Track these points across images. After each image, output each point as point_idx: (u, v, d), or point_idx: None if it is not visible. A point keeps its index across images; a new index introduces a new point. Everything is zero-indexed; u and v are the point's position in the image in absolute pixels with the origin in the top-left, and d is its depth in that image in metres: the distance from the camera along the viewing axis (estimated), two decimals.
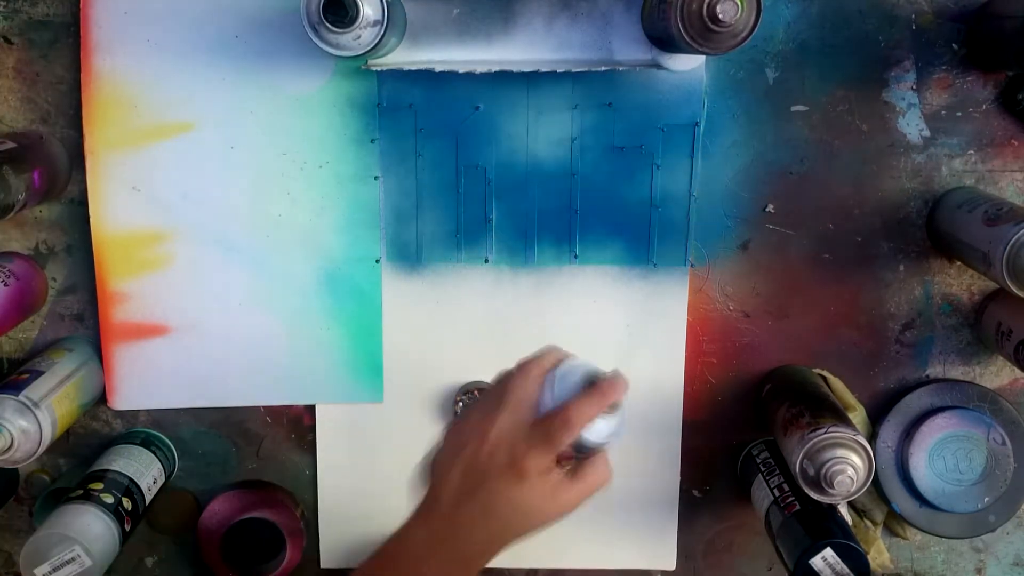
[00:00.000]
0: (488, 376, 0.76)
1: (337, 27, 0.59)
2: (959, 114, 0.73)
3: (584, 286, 0.75)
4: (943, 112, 0.73)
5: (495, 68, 0.69)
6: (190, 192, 0.73)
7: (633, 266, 0.74)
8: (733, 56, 0.71)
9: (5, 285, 0.69)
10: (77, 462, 0.77)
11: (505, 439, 0.55)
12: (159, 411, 0.77)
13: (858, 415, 0.76)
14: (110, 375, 0.75)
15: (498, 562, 0.79)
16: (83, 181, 0.72)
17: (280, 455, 0.78)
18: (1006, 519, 0.76)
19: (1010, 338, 0.71)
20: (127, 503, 0.70)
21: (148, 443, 0.75)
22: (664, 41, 0.66)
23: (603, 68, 0.69)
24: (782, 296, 0.75)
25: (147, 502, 0.73)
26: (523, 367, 0.60)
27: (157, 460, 0.75)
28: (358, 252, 0.74)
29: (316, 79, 0.71)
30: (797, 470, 0.65)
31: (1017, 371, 0.76)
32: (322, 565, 0.80)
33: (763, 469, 0.74)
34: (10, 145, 0.67)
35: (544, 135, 0.72)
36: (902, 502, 0.76)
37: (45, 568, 0.64)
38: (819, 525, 0.67)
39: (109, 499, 0.69)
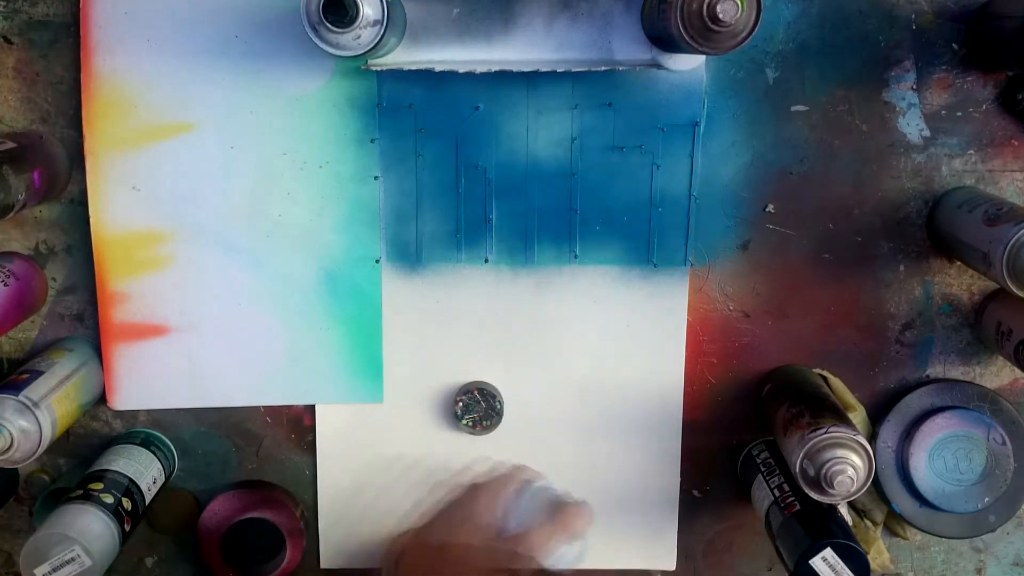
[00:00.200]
0: (488, 376, 0.77)
1: (337, 27, 0.59)
2: (959, 114, 0.73)
3: (584, 286, 0.75)
4: (943, 112, 0.73)
5: (495, 68, 0.69)
6: (190, 192, 0.73)
7: (633, 266, 0.74)
8: (733, 56, 0.71)
9: (5, 285, 0.69)
10: (77, 462, 0.77)
11: (469, 559, 0.55)
12: (159, 411, 0.77)
13: (858, 415, 0.76)
14: (110, 375, 0.75)
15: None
16: (83, 181, 0.72)
17: (280, 455, 0.78)
18: (1006, 519, 0.76)
19: (1010, 338, 0.71)
20: (127, 503, 0.70)
21: (148, 443, 0.75)
22: (664, 41, 0.66)
23: (603, 68, 0.69)
24: (782, 296, 0.75)
25: (147, 502, 0.73)
26: (493, 485, 0.60)
27: (157, 460, 0.75)
28: (358, 252, 0.74)
29: (316, 79, 0.71)
30: (797, 470, 0.65)
31: (1017, 371, 0.76)
32: (322, 565, 0.80)
33: (763, 469, 0.74)
34: (10, 145, 0.67)
35: (544, 135, 0.72)
36: (902, 502, 0.76)
37: (45, 568, 0.64)
38: (819, 525, 0.67)
39: (109, 499, 0.69)
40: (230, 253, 0.74)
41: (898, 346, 0.76)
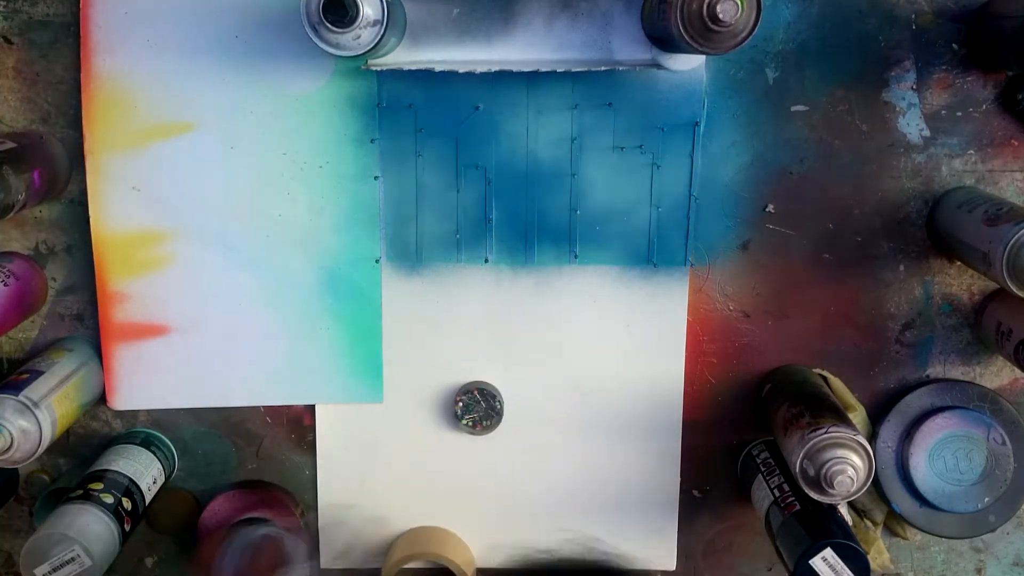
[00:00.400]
0: (488, 376, 0.77)
1: (337, 27, 0.59)
2: (959, 114, 0.73)
3: (584, 286, 0.75)
4: (943, 112, 0.73)
5: (495, 68, 0.69)
6: (190, 192, 0.73)
7: (633, 266, 0.74)
8: (733, 56, 0.71)
9: (5, 285, 0.69)
10: (77, 462, 0.77)
11: None
12: (159, 411, 0.77)
13: (858, 415, 0.76)
14: (110, 375, 0.75)
15: (499, 562, 0.80)
16: (83, 181, 0.72)
17: (280, 455, 0.78)
18: (1006, 519, 0.76)
19: (1010, 338, 0.71)
20: (127, 503, 0.70)
21: (148, 443, 0.75)
22: (664, 41, 0.66)
23: (603, 68, 0.69)
24: (782, 296, 0.75)
25: (147, 502, 0.73)
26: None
27: (157, 460, 0.75)
28: (358, 252, 0.74)
29: (316, 79, 0.71)
30: (797, 470, 0.65)
31: (1017, 371, 0.76)
32: (322, 565, 0.80)
33: (763, 469, 0.74)
34: (10, 145, 0.67)
35: (544, 135, 0.72)
36: (902, 502, 0.76)
37: (45, 568, 0.64)
38: (819, 525, 0.67)
39: (109, 499, 0.69)
40: (230, 253, 0.74)
41: (898, 346, 0.76)
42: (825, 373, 0.76)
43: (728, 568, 0.81)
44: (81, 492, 0.69)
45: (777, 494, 0.71)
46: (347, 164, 0.73)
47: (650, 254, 0.74)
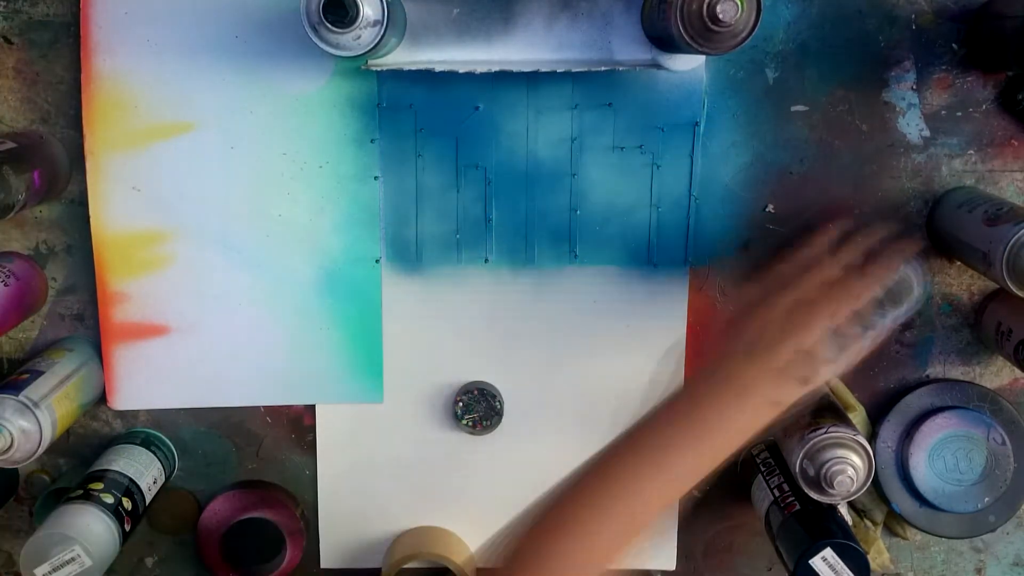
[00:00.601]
0: (488, 376, 0.77)
1: (337, 27, 0.59)
2: (959, 114, 0.73)
3: (584, 286, 0.75)
4: (943, 112, 0.73)
5: (495, 68, 0.69)
6: (190, 192, 0.73)
7: (633, 266, 0.74)
8: (733, 56, 0.71)
9: (5, 285, 0.69)
10: (77, 462, 0.77)
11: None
12: (159, 411, 0.77)
13: (858, 415, 0.76)
14: (110, 375, 0.75)
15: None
16: (83, 181, 0.72)
17: (280, 455, 0.78)
18: (1006, 519, 0.76)
19: (1010, 338, 0.71)
20: (127, 503, 0.70)
21: (148, 443, 0.75)
22: (664, 41, 0.66)
23: (603, 68, 0.69)
24: None
25: (147, 502, 0.73)
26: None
27: (157, 460, 0.75)
28: (358, 252, 0.74)
29: (316, 79, 0.71)
30: (797, 470, 0.65)
31: (1017, 371, 0.76)
32: (322, 565, 0.80)
33: (763, 469, 0.74)
34: (10, 145, 0.67)
35: (544, 135, 0.72)
36: (902, 502, 0.76)
37: (45, 568, 0.64)
38: (819, 525, 0.67)
39: (109, 499, 0.69)
40: (230, 253, 0.74)
41: (898, 346, 0.76)
42: None
43: (728, 568, 0.81)
44: (81, 492, 0.69)
45: (777, 494, 0.71)
46: (347, 164, 0.73)
47: (650, 254, 0.74)
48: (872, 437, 0.77)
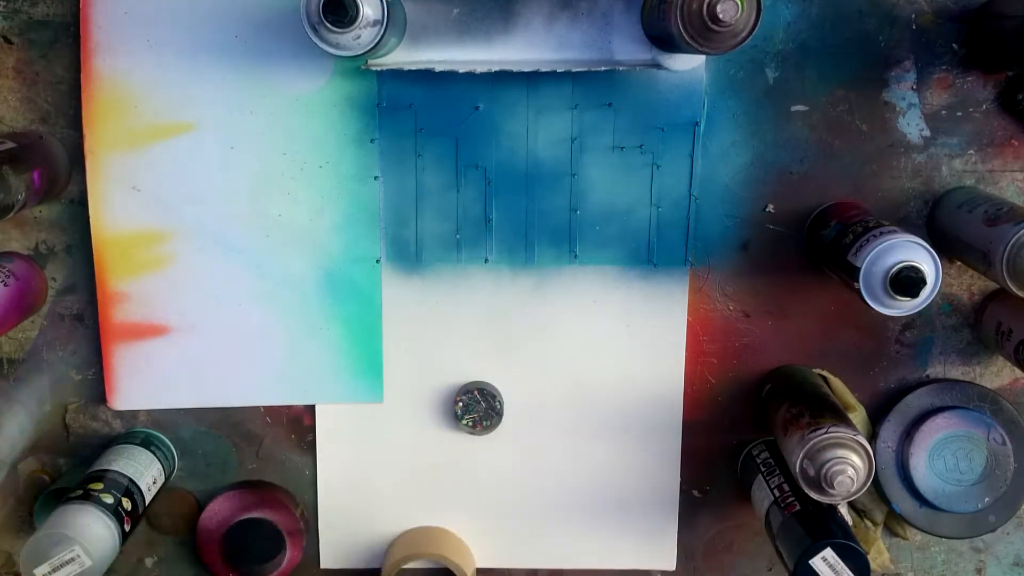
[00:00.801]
0: (488, 376, 0.77)
1: (337, 27, 0.59)
2: (959, 114, 0.73)
3: (584, 286, 0.75)
4: (943, 112, 0.73)
5: (495, 68, 0.69)
6: (190, 192, 0.73)
7: (633, 266, 0.74)
8: (733, 56, 0.71)
9: (5, 285, 0.69)
10: (77, 462, 0.77)
11: None
12: (159, 411, 0.77)
13: (858, 415, 0.76)
14: (110, 375, 0.75)
15: (499, 562, 0.80)
16: (83, 181, 0.72)
17: (280, 455, 0.78)
18: (1006, 519, 0.76)
19: (1010, 338, 0.71)
20: (127, 503, 0.70)
21: (148, 443, 0.75)
22: (664, 41, 0.66)
23: (603, 68, 0.69)
24: (782, 296, 0.75)
25: (147, 502, 0.73)
26: None
27: (157, 460, 0.75)
28: (358, 252, 0.74)
29: (316, 79, 0.71)
30: (797, 470, 0.65)
31: (1017, 371, 0.76)
32: (322, 565, 0.80)
33: (763, 469, 0.74)
34: (10, 145, 0.67)
35: (544, 135, 0.72)
36: (902, 502, 0.76)
37: (45, 568, 0.64)
38: (819, 525, 0.67)
39: (109, 499, 0.69)
40: (230, 253, 0.74)
41: (898, 346, 0.76)
42: (825, 373, 0.76)
43: (728, 568, 0.81)
44: (81, 492, 0.69)
45: (777, 494, 0.71)
46: (347, 164, 0.73)
47: (650, 254, 0.74)
48: (872, 437, 0.77)
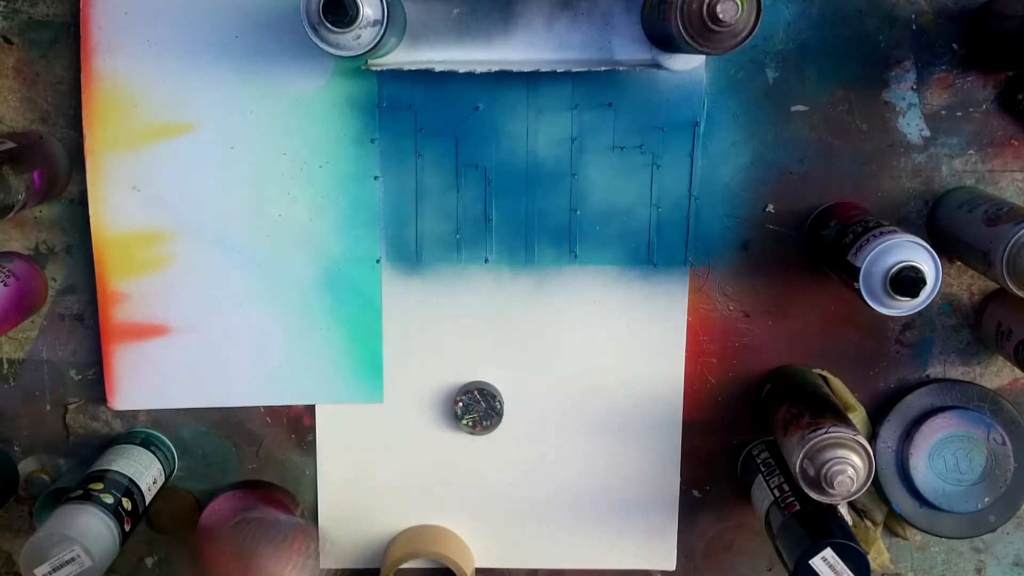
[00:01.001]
0: (488, 376, 0.77)
1: (337, 27, 0.59)
2: (959, 114, 0.73)
3: (584, 286, 0.75)
4: (943, 112, 0.73)
5: (495, 68, 0.69)
6: (190, 192, 0.73)
7: (633, 266, 0.74)
8: (733, 56, 0.71)
9: (5, 285, 0.69)
10: (77, 462, 0.77)
11: None
12: (159, 411, 0.77)
13: (858, 415, 0.76)
14: (110, 375, 0.75)
15: (499, 562, 0.80)
16: (83, 181, 0.72)
17: (280, 455, 0.78)
18: (1006, 519, 0.76)
19: (1010, 338, 0.71)
20: (127, 503, 0.70)
21: (148, 443, 0.75)
22: (664, 41, 0.66)
23: (603, 68, 0.69)
24: (782, 296, 0.75)
25: (147, 502, 0.73)
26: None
27: (157, 460, 0.75)
28: (358, 252, 0.74)
29: (316, 79, 0.71)
30: (797, 470, 0.65)
31: (1017, 371, 0.76)
32: (322, 565, 0.80)
33: (763, 469, 0.74)
34: (10, 145, 0.67)
35: (544, 135, 0.72)
36: (902, 502, 0.76)
37: (45, 568, 0.64)
38: (819, 525, 0.67)
39: (109, 499, 0.69)
40: (230, 253, 0.74)
41: (898, 346, 0.76)
42: (825, 373, 0.76)
43: (728, 568, 0.81)
44: (81, 492, 0.69)
45: (777, 494, 0.71)
46: (347, 164, 0.73)
47: (650, 254, 0.74)
48: (872, 437, 0.77)
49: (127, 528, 0.69)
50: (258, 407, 0.77)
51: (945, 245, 0.72)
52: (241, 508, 0.76)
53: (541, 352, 0.76)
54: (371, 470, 0.78)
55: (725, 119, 0.73)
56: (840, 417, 0.67)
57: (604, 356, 0.76)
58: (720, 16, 0.57)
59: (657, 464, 0.78)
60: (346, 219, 0.73)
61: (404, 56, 0.71)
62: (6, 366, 0.76)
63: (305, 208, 0.73)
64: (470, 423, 0.76)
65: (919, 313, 0.75)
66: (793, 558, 0.66)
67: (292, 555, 0.69)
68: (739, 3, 0.57)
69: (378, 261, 0.74)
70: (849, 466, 0.63)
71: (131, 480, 0.71)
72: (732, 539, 0.80)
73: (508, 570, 0.80)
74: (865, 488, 0.64)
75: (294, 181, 0.73)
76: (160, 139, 0.72)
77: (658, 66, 0.70)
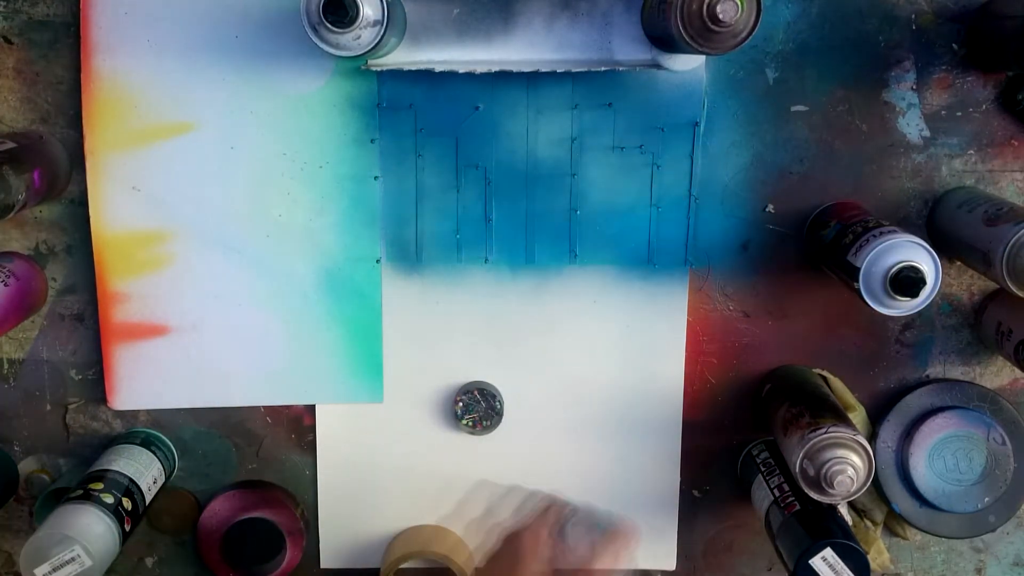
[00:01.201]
0: (488, 376, 0.77)
1: (337, 27, 0.59)
2: (959, 114, 0.73)
3: (584, 286, 0.75)
4: (943, 112, 0.73)
5: (495, 68, 0.69)
6: (190, 192, 0.73)
7: (633, 266, 0.74)
8: (733, 56, 0.71)
9: (5, 285, 0.69)
10: (77, 462, 0.77)
11: None
12: (159, 411, 0.77)
13: (858, 415, 0.76)
14: (110, 375, 0.75)
15: None
16: (83, 181, 0.72)
17: (280, 455, 0.78)
18: (1006, 519, 0.76)
19: (1010, 338, 0.71)
20: (127, 503, 0.70)
21: (148, 443, 0.75)
22: (664, 41, 0.66)
23: (603, 68, 0.69)
24: (782, 296, 0.75)
25: (147, 502, 0.73)
26: (532, 529, 0.60)
27: (157, 460, 0.75)
28: (358, 252, 0.74)
29: (316, 79, 0.71)
30: (797, 470, 0.65)
31: (1017, 371, 0.76)
32: (322, 565, 0.80)
33: (763, 469, 0.74)
34: (10, 145, 0.67)
35: (544, 135, 0.72)
36: (902, 502, 0.76)
37: (45, 568, 0.64)
38: (819, 525, 0.67)
39: (109, 499, 0.69)
40: (230, 253, 0.74)
41: (898, 346, 0.76)
42: (825, 373, 0.76)
43: (728, 568, 0.81)
44: (81, 492, 0.69)
45: (777, 494, 0.71)
46: (347, 164, 0.73)
47: (650, 254, 0.74)
48: (872, 437, 0.77)
49: (127, 528, 0.69)
50: (258, 407, 0.77)
51: (945, 245, 0.72)
52: (241, 508, 0.76)
53: (541, 352, 0.76)
54: (371, 470, 0.78)
55: (725, 119, 0.73)
56: (840, 417, 0.67)
57: (604, 356, 0.76)
58: (720, 16, 0.57)
59: (657, 464, 0.78)
60: (346, 219, 0.73)
61: (404, 56, 0.71)
62: (6, 366, 0.76)
63: (305, 208, 0.73)
64: (470, 423, 0.76)
65: (919, 313, 0.75)
66: (793, 558, 0.66)
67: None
68: (739, 3, 0.57)
69: (378, 261, 0.74)
70: (849, 466, 0.63)
71: (131, 480, 0.71)
72: (732, 539, 0.80)
73: None
74: (865, 488, 0.64)
75: (294, 181, 0.73)
76: (160, 139, 0.72)
77: (658, 66, 0.70)
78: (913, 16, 0.71)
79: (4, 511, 0.78)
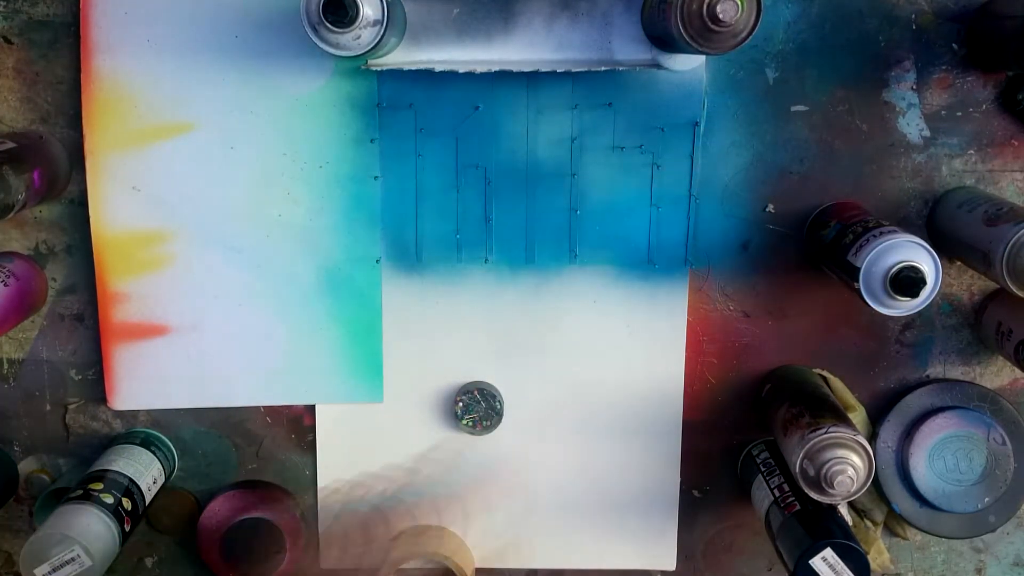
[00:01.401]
0: (488, 376, 0.77)
1: (337, 27, 0.59)
2: (959, 114, 0.73)
3: (584, 286, 0.75)
4: (943, 112, 0.73)
5: (495, 68, 0.69)
6: (190, 192, 0.73)
7: (633, 266, 0.74)
8: (733, 56, 0.71)
9: (5, 285, 0.69)
10: (77, 462, 0.77)
11: None
12: (159, 411, 0.77)
13: (858, 415, 0.76)
14: (110, 375, 0.75)
15: (499, 562, 0.80)
16: (83, 181, 0.72)
17: (280, 455, 0.78)
18: (1006, 519, 0.76)
19: (1010, 338, 0.71)
20: (127, 503, 0.70)
21: (148, 443, 0.75)
22: (664, 41, 0.66)
23: (603, 68, 0.69)
24: (782, 296, 0.75)
25: (147, 502, 0.73)
26: None
27: (157, 460, 0.75)
28: (358, 252, 0.74)
29: (316, 79, 0.71)
30: (797, 470, 0.65)
31: (1017, 371, 0.76)
32: (322, 565, 0.80)
33: (763, 469, 0.74)
34: (10, 145, 0.67)
35: (544, 135, 0.72)
36: (902, 502, 0.76)
37: (45, 568, 0.64)
38: (819, 525, 0.67)
39: (109, 499, 0.69)
40: (230, 253, 0.74)
41: (898, 346, 0.76)
42: (825, 373, 0.76)
43: (728, 568, 0.81)
44: (81, 492, 0.69)
45: (777, 494, 0.71)
46: (347, 164, 0.73)
47: (650, 254, 0.74)
48: (872, 437, 0.77)
49: (127, 528, 0.69)
50: (258, 407, 0.77)
51: (945, 245, 0.72)
52: (241, 508, 0.76)
53: (541, 352, 0.76)
54: (371, 470, 0.78)
55: (725, 119, 0.73)
56: (840, 417, 0.67)
57: (604, 356, 0.76)
58: (720, 16, 0.57)
59: (657, 464, 0.78)
60: (346, 219, 0.73)
61: (404, 56, 0.71)
62: (6, 366, 0.76)
63: (305, 208, 0.73)
64: (470, 423, 0.76)
65: (919, 313, 0.75)
66: (793, 558, 0.66)
67: None
68: (739, 3, 0.57)
69: (378, 261, 0.74)
70: (849, 466, 0.63)
71: (131, 480, 0.71)
72: (732, 539, 0.80)
73: (508, 570, 0.80)
74: (865, 488, 0.64)
75: (294, 181, 0.73)
76: (160, 139, 0.72)
77: (658, 66, 0.70)
78: (913, 16, 0.71)
79: (4, 511, 0.78)
